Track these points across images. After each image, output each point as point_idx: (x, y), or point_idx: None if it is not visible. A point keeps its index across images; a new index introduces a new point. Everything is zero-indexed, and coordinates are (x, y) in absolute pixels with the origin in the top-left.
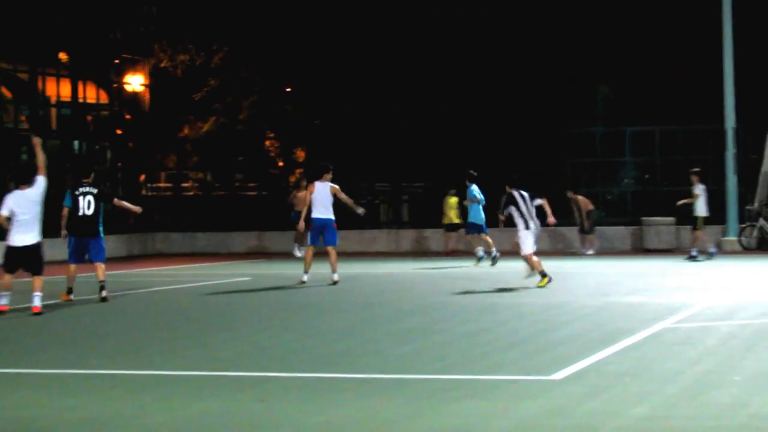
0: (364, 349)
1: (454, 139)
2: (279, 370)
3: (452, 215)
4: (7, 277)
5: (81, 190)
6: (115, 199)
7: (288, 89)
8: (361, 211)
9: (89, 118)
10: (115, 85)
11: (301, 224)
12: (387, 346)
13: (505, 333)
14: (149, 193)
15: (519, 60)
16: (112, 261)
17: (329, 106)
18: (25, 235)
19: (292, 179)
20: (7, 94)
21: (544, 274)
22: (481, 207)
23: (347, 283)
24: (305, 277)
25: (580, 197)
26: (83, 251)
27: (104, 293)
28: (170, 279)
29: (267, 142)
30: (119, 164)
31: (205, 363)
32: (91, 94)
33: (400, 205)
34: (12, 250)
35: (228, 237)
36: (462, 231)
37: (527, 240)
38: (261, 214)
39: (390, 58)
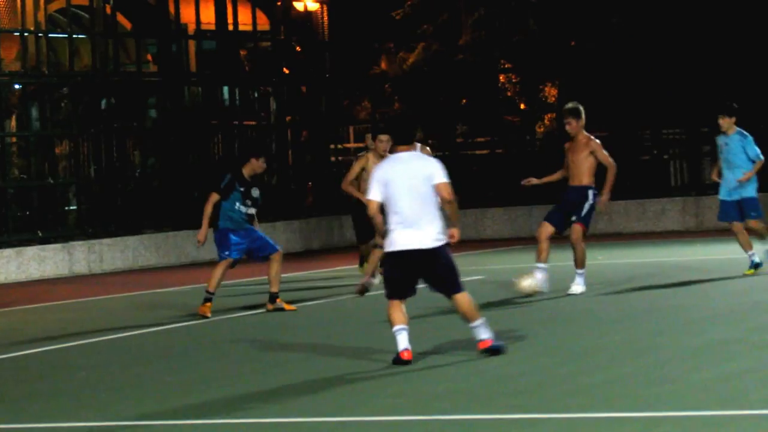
0: (651, 375)
1: None
2: (520, 409)
3: None
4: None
5: None
6: None
7: None
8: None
9: (243, 53)
10: (279, 4)
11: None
12: (686, 369)
13: None
14: (333, 158)
15: None
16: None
17: (589, 18)
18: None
19: (540, 130)
20: (126, 24)
21: None
22: None
23: (615, 280)
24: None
25: None
26: None
27: None
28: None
29: (501, 77)
30: (287, 118)
31: (406, 402)
32: (244, 18)
33: (700, 160)
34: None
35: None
36: None
37: None
38: (499, 180)
39: None
